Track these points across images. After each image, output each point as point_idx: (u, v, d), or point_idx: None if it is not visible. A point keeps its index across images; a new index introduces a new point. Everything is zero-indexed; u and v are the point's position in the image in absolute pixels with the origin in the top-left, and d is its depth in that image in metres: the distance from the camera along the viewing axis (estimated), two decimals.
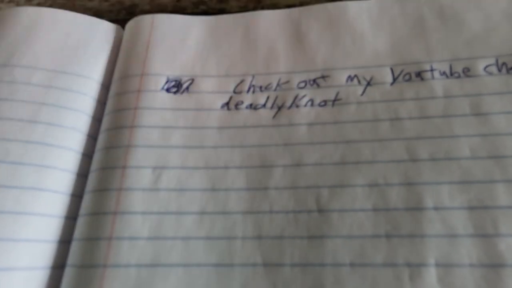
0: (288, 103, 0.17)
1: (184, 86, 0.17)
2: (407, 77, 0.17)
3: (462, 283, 0.12)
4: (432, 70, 0.17)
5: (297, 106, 0.17)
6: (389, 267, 0.13)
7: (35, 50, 0.18)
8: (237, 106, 0.17)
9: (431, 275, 0.13)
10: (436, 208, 0.14)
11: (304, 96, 0.17)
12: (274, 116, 0.16)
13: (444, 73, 0.17)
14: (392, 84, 0.17)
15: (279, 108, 0.17)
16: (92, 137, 0.17)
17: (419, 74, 0.17)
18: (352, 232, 0.13)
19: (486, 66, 0.16)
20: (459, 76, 0.16)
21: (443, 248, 0.13)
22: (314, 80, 0.17)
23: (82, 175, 0.16)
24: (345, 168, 0.15)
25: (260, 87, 0.17)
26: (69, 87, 0.17)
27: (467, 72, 0.16)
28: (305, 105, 0.17)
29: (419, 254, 0.13)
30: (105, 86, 0.18)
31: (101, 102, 0.18)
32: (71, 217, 0.15)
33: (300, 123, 0.16)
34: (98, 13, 0.22)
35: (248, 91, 0.17)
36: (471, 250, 0.13)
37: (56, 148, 0.15)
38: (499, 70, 0.16)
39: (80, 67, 0.18)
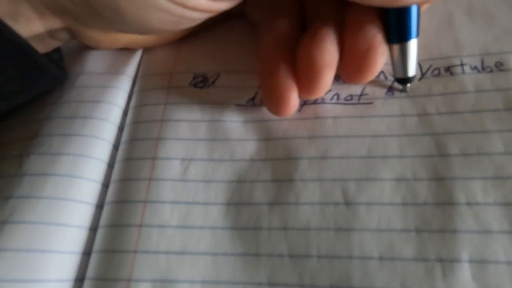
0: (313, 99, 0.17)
1: (210, 80, 0.18)
2: (436, 72, 0.17)
3: (497, 281, 0.12)
4: (462, 64, 0.16)
5: (323, 100, 0.17)
6: (420, 262, 0.13)
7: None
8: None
9: (464, 271, 0.12)
10: (468, 204, 0.13)
11: (329, 91, 0.17)
12: (299, 110, 0.17)
13: (475, 68, 0.16)
14: (420, 79, 0.16)
15: (305, 102, 0.17)
16: (120, 128, 0.17)
17: (448, 69, 0.16)
18: (380, 226, 0.13)
19: None
20: (491, 71, 0.16)
21: (477, 244, 0.12)
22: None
23: (110, 165, 0.16)
24: (372, 162, 0.15)
25: None
26: (108, 84, 0.18)
27: (499, 66, 0.16)
28: (331, 99, 0.17)
29: (451, 249, 0.13)
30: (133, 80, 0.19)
31: (129, 96, 0.19)
32: (100, 206, 0.15)
33: (326, 116, 0.16)
34: None
35: None
36: (507, 247, 0.12)
37: (93, 138, 0.16)
38: None
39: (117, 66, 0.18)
